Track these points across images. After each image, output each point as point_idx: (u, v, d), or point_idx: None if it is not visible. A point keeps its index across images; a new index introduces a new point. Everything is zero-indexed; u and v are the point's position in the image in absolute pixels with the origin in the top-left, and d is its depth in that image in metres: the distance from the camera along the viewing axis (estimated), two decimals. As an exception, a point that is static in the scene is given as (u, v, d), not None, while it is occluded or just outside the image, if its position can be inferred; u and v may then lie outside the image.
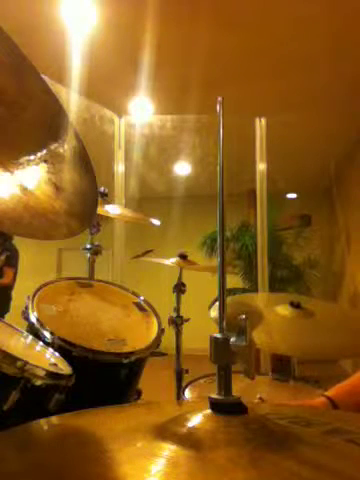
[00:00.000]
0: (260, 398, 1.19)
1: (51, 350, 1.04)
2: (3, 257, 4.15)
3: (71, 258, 6.13)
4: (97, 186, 0.67)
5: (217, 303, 0.53)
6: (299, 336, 1.11)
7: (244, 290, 5.13)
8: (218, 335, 0.48)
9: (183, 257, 2.13)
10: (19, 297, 3.79)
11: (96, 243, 1.86)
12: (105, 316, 1.28)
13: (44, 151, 0.57)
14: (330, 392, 0.97)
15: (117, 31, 3.15)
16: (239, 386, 1.21)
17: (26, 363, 0.80)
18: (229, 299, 1.22)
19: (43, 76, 0.59)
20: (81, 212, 0.62)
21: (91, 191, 0.65)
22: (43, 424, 0.51)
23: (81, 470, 0.38)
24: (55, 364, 0.94)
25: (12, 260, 4.27)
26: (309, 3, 2.81)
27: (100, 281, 1.49)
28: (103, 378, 1.14)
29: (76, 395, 0.88)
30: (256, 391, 1.23)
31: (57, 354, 1.02)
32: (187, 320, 2.17)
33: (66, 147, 0.60)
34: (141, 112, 4.24)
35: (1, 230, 0.62)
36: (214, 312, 1.08)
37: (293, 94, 3.91)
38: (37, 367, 0.82)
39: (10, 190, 0.52)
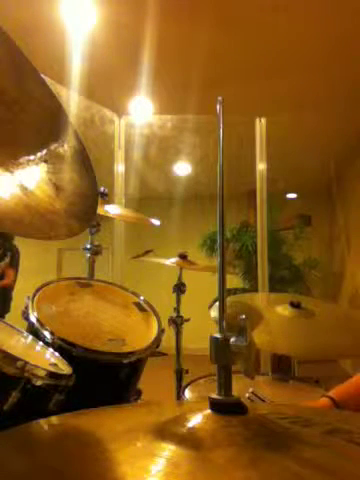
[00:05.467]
0: (252, 392, 1.19)
1: (51, 350, 1.04)
2: (7, 259, 4.16)
3: (71, 258, 6.14)
4: (97, 186, 0.67)
5: (217, 303, 0.53)
6: (299, 336, 1.11)
7: (244, 290, 5.13)
8: (218, 335, 0.48)
9: (183, 257, 2.13)
10: (19, 297, 3.79)
11: (96, 243, 1.86)
12: (105, 316, 1.28)
13: (44, 151, 0.57)
14: (332, 393, 0.97)
15: (117, 31, 3.15)
16: (239, 386, 1.22)
17: (26, 363, 0.80)
18: (229, 299, 1.22)
19: (43, 76, 0.59)
20: (81, 212, 0.62)
21: (91, 191, 0.65)
22: (43, 424, 0.51)
23: (81, 470, 0.38)
24: (55, 364, 0.94)
25: (13, 261, 4.27)
26: (309, 3, 2.81)
27: (100, 281, 1.49)
28: (103, 378, 1.14)
29: (76, 395, 0.88)
30: (256, 391, 1.23)
31: (57, 354, 1.02)
32: (187, 320, 2.18)
33: (66, 147, 0.61)
34: (141, 112, 4.24)
35: (2, 230, 0.62)
36: (214, 312, 1.08)
37: (293, 94, 3.90)
38: (37, 367, 0.82)
39: (10, 190, 0.52)
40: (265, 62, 3.51)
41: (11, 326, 1.11)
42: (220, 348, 0.48)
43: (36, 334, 1.10)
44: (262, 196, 3.72)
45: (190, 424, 0.44)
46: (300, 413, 0.55)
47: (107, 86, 3.77)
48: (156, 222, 2.04)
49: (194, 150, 4.98)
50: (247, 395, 1.18)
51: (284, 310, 1.14)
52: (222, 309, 0.51)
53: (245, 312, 0.48)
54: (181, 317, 2.15)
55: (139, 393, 1.33)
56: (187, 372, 2.10)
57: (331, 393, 0.97)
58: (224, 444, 0.40)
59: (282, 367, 4.10)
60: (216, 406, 0.46)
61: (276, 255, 5.01)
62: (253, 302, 1.31)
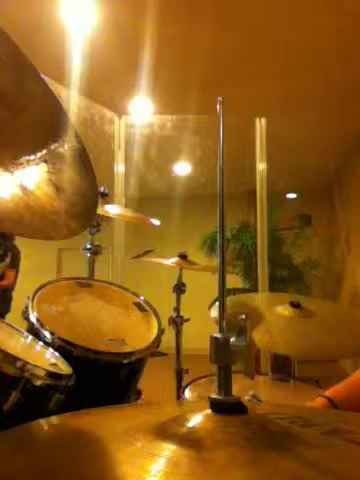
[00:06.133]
0: (253, 395, 1.19)
1: (51, 350, 1.04)
2: (8, 260, 4.16)
3: (71, 258, 6.12)
4: (97, 186, 0.66)
5: (217, 303, 0.53)
6: (299, 336, 1.11)
7: (244, 290, 5.13)
8: (218, 335, 0.48)
9: (183, 257, 2.13)
10: (19, 297, 3.78)
11: (96, 243, 1.86)
12: (105, 316, 1.28)
13: (44, 151, 0.57)
14: (329, 392, 0.97)
15: (117, 31, 3.15)
16: (239, 386, 1.21)
17: (26, 363, 0.80)
18: (229, 299, 1.22)
19: (43, 76, 0.59)
20: (81, 212, 0.62)
21: (91, 191, 0.64)
22: (43, 424, 0.51)
23: (81, 470, 0.38)
24: (55, 364, 0.94)
25: (14, 261, 4.27)
26: (310, 3, 2.81)
27: (100, 281, 1.49)
28: (103, 378, 1.14)
29: (76, 395, 0.88)
30: (256, 391, 1.23)
31: (57, 354, 1.02)
32: (187, 320, 2.18)
33: (66, 147, 0.60)
34: (141, 112, 4.24)
35: (2, 230, 0.62)
36: (214, 312, 1.08)
37: (293, 94, 3.91)
38: (37, 367, 0.82)
39: (10, 190, 0.52)
40: (265, 62, 3.51)
41: (11, 326, 1.11)
42: (220, 348, 0.48)
43: (36, 334, 1.10)
44: (262, 196, 3.72)
45: (190, 424, 0.44)
46: (300, 413, 0.55)
47: (107, 86, 3.77)
48: (156, 222, 2.04)
49: (194, 150, 4.98)
50: (247, 398, 1.18)
51: (284, 310, 1.14)
52: (222, 309, 0.51)
53: (245, 312, 0.48)
54: (181, 317, 2.15)
55: (139, 393, 1.33)
56: (187, 372, 2.10)
57: (328, 393, 0.97)
58: (224, 444, 0.40)
59: (282, 367, 4.10)
60: (216, 406, 0.46)
61: (276, 255, 5.01)
62: (253, 302, 1.31)
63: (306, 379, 1.56)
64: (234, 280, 5.39)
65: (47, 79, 0.60)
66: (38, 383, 0.82)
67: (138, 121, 4.26)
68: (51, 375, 0.85)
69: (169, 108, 4.17)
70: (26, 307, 1.17)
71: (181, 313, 2.16)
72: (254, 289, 4.60)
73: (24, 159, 0.54)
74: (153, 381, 1.68)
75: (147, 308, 1.38)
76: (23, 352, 0.92)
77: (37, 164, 0.56)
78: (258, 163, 3.75)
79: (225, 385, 0.47)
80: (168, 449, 0.40)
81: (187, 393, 1.39)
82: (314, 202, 6.31)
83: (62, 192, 0.58)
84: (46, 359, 0.97)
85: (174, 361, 2.13)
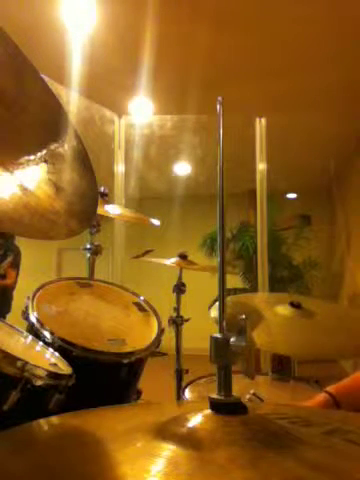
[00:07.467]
0: (253, 394, 1.19)
1: (51, 350, 1.04)
2: (10, 259, 4.17)
3: (71, 258, 6.13)
4: (97, 186, 0.66)
5: (217, 303, 0.53)
6: (299, 336, 1.11)
7: (244, 290, 5.13)
8: (218, 335, 0.48)
9: (183, 257, 2.13)
10: (19, 297, 3.78)
11: (96, 243, 1.86)
12: (105, 316, 1.28)
13: (44, 151, 0.57)
14: (331, 388, 0.97)
15: (117, 31, 3.15)
16: (239, 386, 1.21)
17: (26, 363, 0.79)
18: (229, 299, 1.22)
19: (43, 76, 0.59)
20: (81, 212, 0.62)
21: (91, 191, 0.65)
22: (43, 424, 0.51)
23: (81, 470, 0.38)
24: (55, 364, 0.94)
25: (15, 260, 4.28)
26: (309, 3, 2.81)
27: (100, 281, 1.49)
28: (103, 378, 1.14)
29: (76, 395, 0.88)
30: (256, 391, 1.23)
31: (57, 354, 1.02)
32: (187, 320, 2.17)
33: (66, 147, 0.60)
34: (141, 112, 4.24)
35: (2, 230, 0.62)
36: (214, 312, 1.08)
37: (293, 94, 3.90)
38: (37, 367, 0.82)
39: (10, 190, 0.52)
40: (265, 62, 3.51)
41: (11, 326, 1.11)
42: (220, 348, 0.48)
43: (36, 334, 1.10)
44: (262, 196, 3.72)
45: (190, 424, 0.44)
46: (300, 413, 0.55)
47: (107, 86, 3.77)
48: (156, 222, 2.04)
49: (194, 150, 4.98)
50: (248, 396, 1.18)
51: (284, 310, 1.14)
52: (222, 309, 0.51)
53: (245, 312, 0.48)
54: (181, 317, 2.15)
55: (139, 393, 1.33)
56: (187, 372, 2.10)
57: (330, 388, 0.97)
58: (224, 444, 0.40)
59: (282, 367, 4.10)
60: (216, 406, 0.46)
61: (276, 255, 5.01)
62: (253, 302, 1.31)
63: (306, 379, 1.55)
64: (234, 280, 5.38)
65: (47, 79, 0.60)
66: (38, 383, 0.82)
67: (138, 121, 4.26)
68: (51, 375, 0.85)
69: (169, 108, 4.17)
70: (26, 307, 1.17)
71: (181, 313, 2.16)
72: (254, 289, 4.60)
73: (24, 159, 0.54)
74: (153, 381, 1.68)
75: (147, 308, 1.39)
76: (23, 352, 0.92)
77: (37, 164, 0.56)
78: (258, 163, 3.75)
79: (225, 385, 0.47)
80: (168, 449, 0.40)
81: (187, 393, 1.39)
82: (314, 202, 6.30)
83: (62, 192, 0.58)
84: (46, 359, 0.97)
85: (174, 361, 2.12)
